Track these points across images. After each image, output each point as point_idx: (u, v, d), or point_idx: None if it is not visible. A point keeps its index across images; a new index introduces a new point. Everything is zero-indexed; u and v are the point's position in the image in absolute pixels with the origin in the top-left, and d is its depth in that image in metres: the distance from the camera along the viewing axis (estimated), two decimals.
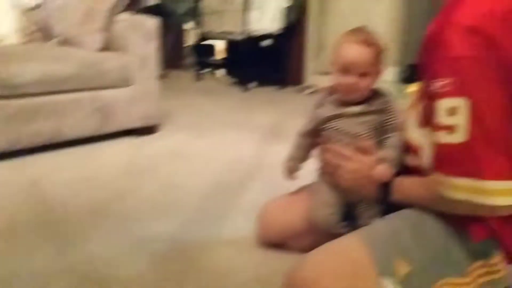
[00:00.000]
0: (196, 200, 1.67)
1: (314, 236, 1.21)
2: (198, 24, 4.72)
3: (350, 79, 1.08)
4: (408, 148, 1.11)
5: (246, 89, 4.24)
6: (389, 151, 1.09)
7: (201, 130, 2.71)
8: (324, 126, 1.14)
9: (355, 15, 4.27)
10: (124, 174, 1.93)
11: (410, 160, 1.11)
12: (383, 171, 1.05)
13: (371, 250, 0.93)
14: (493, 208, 0.87)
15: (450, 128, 0.87)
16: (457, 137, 0.86)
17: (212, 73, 5.39)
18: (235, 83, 4.80)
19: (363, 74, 1.07)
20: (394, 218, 1.02)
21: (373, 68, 1.08)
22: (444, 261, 0.96)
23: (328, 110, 1.13)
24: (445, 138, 0.88)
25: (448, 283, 0.96)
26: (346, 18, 4.39)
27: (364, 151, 1.10)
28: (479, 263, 0.99)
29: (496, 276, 1.02)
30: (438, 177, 0.92)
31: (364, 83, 1.08)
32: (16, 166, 1.96)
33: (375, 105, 1.11)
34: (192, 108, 3.39)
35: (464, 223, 0.98)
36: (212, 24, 4.49)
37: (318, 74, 4.20)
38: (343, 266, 0.93)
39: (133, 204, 1.61)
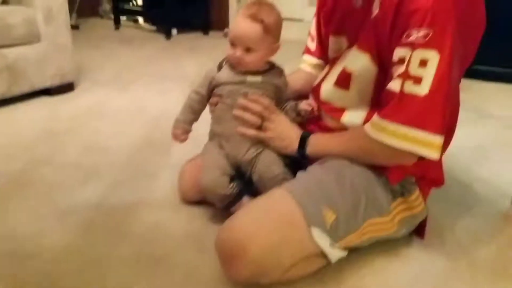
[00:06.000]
0: (122, 161, 1.61)
1: None
2: None
3: (235, 52, 1.08)
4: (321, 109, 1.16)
5: (169, 36, 4.08)
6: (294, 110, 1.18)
7: (123, 84, 2.58)
8: (221, 90, 1.14)
9: None
10: (41, 138, 1.81)
11: (329, 122, 1.14)
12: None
13: (300, 202, 0.95)
14: (422, 158, 0.94)
15: (416, 79, 0.88)
16: (421, 90, 0.88)
17: (131, 20, 5.12)
18: (156, 30, 4.60)
19: (248, 49, 1.07)
20: (317, 169, 1.05)
21: (260, 44, 1.07)
22: (367, 205, 1.00)
23: (227, 75, 1.13)
24: (409, 88, 0.89)
25: (372, 224, 1.01)
26: None
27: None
28: (399, 200, 1.06)
29: (414, 211, 1.09)
30: (384, 124, 0.93)
31: (249, 58, 1.09)
32: None
33: (273, 79, 1.14)
34: (112, 60, 3.21)
35: (381, 169, 1.03)
36: None
37: None
38: (273, 221, 0.94)
39: (54, 171, 1.53)
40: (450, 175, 1.50)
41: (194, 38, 4.09)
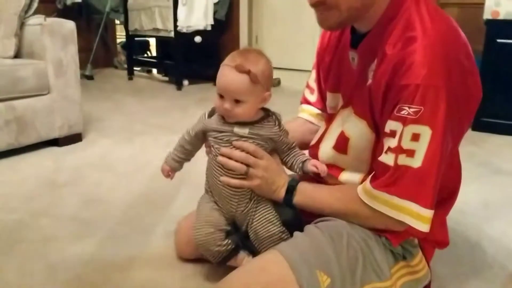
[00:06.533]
0: (119, 215, 1.59)
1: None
2: (127, 21, 4.56)
3: (224, 104, 1.02)
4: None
5: (180, 87, 4.16)
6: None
7: (130, 135, 2.61)
8: (210, 136, 1.09)
9: (286, 7, 4.28)
10: (42, 189, 1.81)
11: (327, 179, 1.11)
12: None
13: (293, 265, 0.91)
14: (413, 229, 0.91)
15: (409, 152, 0.87)
16: (415, 162, 0.87)
17: (145, 71, 5.25)
18: (168, 81, 4.71)
19: (237, 101, 1.01)
20: (313, 230, 1.01)
21: (249, 95, 1.01)
22: (365, 268, 0.96)
23: (216, 123, 1.08)
24: (403, 160, 0.88)
25: None
26: (276, 10, 4.39)
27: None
28: (400, 264, 1.01)
29: (417, 275, 1.04)
30: (377, 193, 0.92)
31: (238, 110, 1.02)
32: None
33: (262, 130, 1.07)
34: (122, 110, 3.27)
35: (381, 230, 0.99)
36: (141, 21, 4.36)
37: None
38: (265, 284, 0.91)
39: (50, 224, 1.51)
40: (457, 233, 1.45)
41: (204, 89, 4.16)
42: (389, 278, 0.98)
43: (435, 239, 1.07)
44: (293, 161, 1.11)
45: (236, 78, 1.00)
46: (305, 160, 1.09)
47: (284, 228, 1.09)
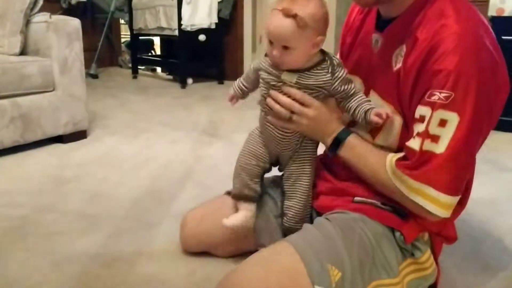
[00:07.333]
0: (124, 211, 1.59)
1: (236, 244, 1.23)
2: (132, 20, 4.57)
3: (273, 51, 0.97)
4: None
5: (184, 85, 4.16)
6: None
7: (135, 133, 2.61)
8: (261, 75, 1.07)
9: None
10: (48, 185, 1.82)
11: None
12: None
13: (304, 257, 0.91)
14: (434, 216, 0.91)
15: (434, 138, 0.87)
16: (438, 148, 0.87)
17: (149, 69, 5.26)
18: (172, 79, 4.71)
19: (286, 48, 0.96)
20: (325, 223, 1.01)
21: (297, 41, 0.95)
22: (375, 264, 0.96)
23: (267, 65, 1.04)
24: (428, 146, 0.88)
25: (379, 285, 0.96)
26: None
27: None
28: (408, 261, 1.00)
29: (425, 272, 1.03)
30: (403, 177, 0.92)
31: (288, 57, 0.97)
32: None
33: (311, 79, 1.00)
34: (127, 108, 3.27)
35: (398, 225, 0.99)
36: (146, 20, 4.37)
37: None
38: (275, 276, 0.90)
39: (56, 219, 1.52)
40: (463, 229, 1.44)
41: (208, 87, 4.17)
42: (397, 275, 0.98)
43: (446, 234, 1.07)
44: (355, 110, 1.02)
45: (282, 23, 0.94)
46: (368, 109, 1.00)
47: (311, 191, 1.13)
